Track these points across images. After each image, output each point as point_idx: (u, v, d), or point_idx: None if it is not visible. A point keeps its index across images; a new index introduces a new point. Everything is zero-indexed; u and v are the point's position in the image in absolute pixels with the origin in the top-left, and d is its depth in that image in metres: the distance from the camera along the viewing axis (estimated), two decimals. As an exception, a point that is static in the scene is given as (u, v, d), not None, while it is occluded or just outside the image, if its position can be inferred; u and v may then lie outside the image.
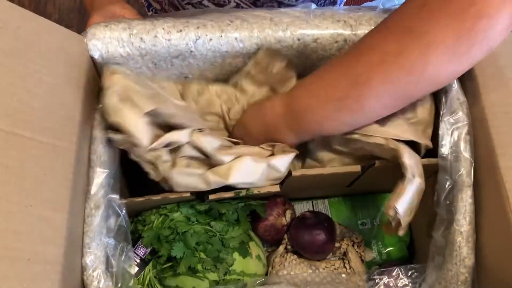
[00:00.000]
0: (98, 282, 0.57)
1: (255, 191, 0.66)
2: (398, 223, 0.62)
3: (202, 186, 0.64)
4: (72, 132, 0.58)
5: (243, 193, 0.66)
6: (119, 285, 0.59)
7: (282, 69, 0.68)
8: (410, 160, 0.61)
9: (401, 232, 0.63)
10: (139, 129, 0.59)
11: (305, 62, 0.68)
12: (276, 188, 0.67)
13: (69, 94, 0.59)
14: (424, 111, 0.67)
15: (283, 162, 0.66)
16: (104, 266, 0.58)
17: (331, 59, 0.66)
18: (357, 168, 0.65)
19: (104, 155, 0.62)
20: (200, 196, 0.67)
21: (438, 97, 0.71)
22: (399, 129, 0.64)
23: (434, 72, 0.51)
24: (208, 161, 0.67)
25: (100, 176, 0.60)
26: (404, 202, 0.60)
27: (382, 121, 0.64)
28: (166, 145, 0.62)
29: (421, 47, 0.49)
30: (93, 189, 0.60)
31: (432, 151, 0.66)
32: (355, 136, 0.63)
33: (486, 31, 0.47)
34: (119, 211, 0.61)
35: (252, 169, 0.65)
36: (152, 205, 0.68)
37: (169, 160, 0.64)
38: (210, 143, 0.64)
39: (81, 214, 0.59)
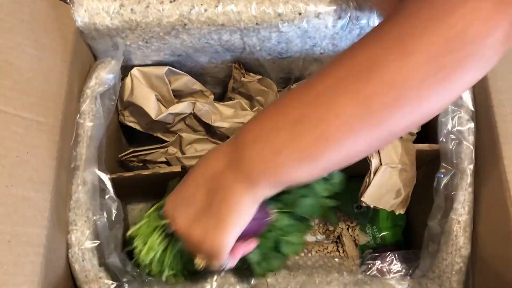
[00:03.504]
0: (83, 260, 0.56)
1: None
2: None
3: None
4: (57, 108, 0.55)
5: None
6: (106, 260, 0.57)
7: (257, 82, 0.71)
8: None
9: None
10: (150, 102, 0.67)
11: (308, 43, 0.65)
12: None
13: (54, 68, 0.56)
14: None
15: None
16: (90, 244, 0.57)
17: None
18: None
19: (91, 130, 0.60)
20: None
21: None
22: None
23: (415, 92, 0.37)
24: (209, 134, 0.72)
25: (87, 151, 0.58)
26: (370, 193, 0.60)
27: None
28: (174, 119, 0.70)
29: (399, 56, 0.37)
30: (80, 164, 0.58)
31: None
32: None
33: (479, 39, 0.36)
34: (107, 186, 0.59)
35: None
36: (141, 181, 0.66)
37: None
38: (208, 111, 0.68)
39: (66, 191, 0.57)
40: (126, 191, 0.70)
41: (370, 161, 0.60)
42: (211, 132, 0.72)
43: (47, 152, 0.53)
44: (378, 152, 0.61)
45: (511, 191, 0.56)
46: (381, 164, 0.60)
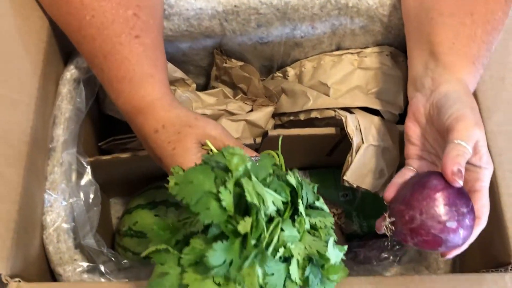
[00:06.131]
0: (57, 241, 0.54)
1: None
2: None
3: None
4: (33, 86, 0.55)
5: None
6: (81, 241, 0.56)
7: (239, 68, 0.70)
8: (356, 128, 0.60)
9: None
10: None
11: (288, 25, 0.65)
12: (250, 141, 0.65)
13: (31, 47, 0.56)
14: (389, 81, 0.66)
15: (260, 116, 0.68)
16: (66, 226, 0.55)
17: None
18: (331, 130, 0.63)
19: (70, 113, 0.59)
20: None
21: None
22: (351, 99, 0.65)
23: None
24: None
25: (64, 132, 0.58)
26: (353, 172, 0.59)
27: (338, 94, 0.66)
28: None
29: None
30: (57, 146, 0.57)
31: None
32: (313, 113, 0.66)
33: None
34: (85, 169, 0.58)
35: (231, 128, 0.66)
36: (121, 167, 0.65)
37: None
38: (189, 98, 0.67)
39: (42, 172, 0.56)
40: (106, 180, 0.69)
41: (352, 139, 0.59)
42: (193, 120, 0.72)
43: (21, 128, 0.52)
44: (360, 130, 0.60)
45: (496, 167, 0.55)
46: (363, 143, 0.60)
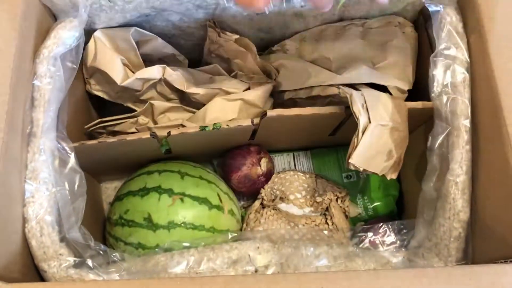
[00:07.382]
0: (41, 235, 0.50)
1: (224, 126, 0.59)
2: None
3: None
4: (6, 65, 0.49)
5: (210, 127, 0.58)
6: (66, 235, 0.52)
7: (234, 42, 0.65)
8: (362, 106, 0.55)
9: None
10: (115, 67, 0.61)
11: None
12: (248, 122, 0.59)
13: (3, 23, 0.51)
14: (397, 54, 0.61)
15: (258, 95, 0.63)
16: (50, 218, 0.51)
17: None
18: (335, 109, 0.58)
19: (50, 94, 0.54)
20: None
21: (432, 29, 0.63)
22: (356, 74, 0.60)
23: None
24: (184, 102, 0.67)
25: (45, 116, 0.53)
26: (359, 154, 0.55)
27: (342, 69, 0.61)
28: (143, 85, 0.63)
29: None
30: (37, 131, 0.52)
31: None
32: (315, 90, 0.61)
33: None
34: (69, 155, 0.54)
35: (227, 108, 0.62)
36: (109, 151, 0.60)
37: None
38: (180, 76, 0.63)
39: (21, 160, 0.51)
40: (95, 165, 0.65)
41: (358, 119, 0.55)
42: (186, 99, 0.67)
43: (-6, 113, 0.47)
44: (367, 109, 0.56)
45: (511, 132, 0.50)
46: (370, 122, 0.55)
